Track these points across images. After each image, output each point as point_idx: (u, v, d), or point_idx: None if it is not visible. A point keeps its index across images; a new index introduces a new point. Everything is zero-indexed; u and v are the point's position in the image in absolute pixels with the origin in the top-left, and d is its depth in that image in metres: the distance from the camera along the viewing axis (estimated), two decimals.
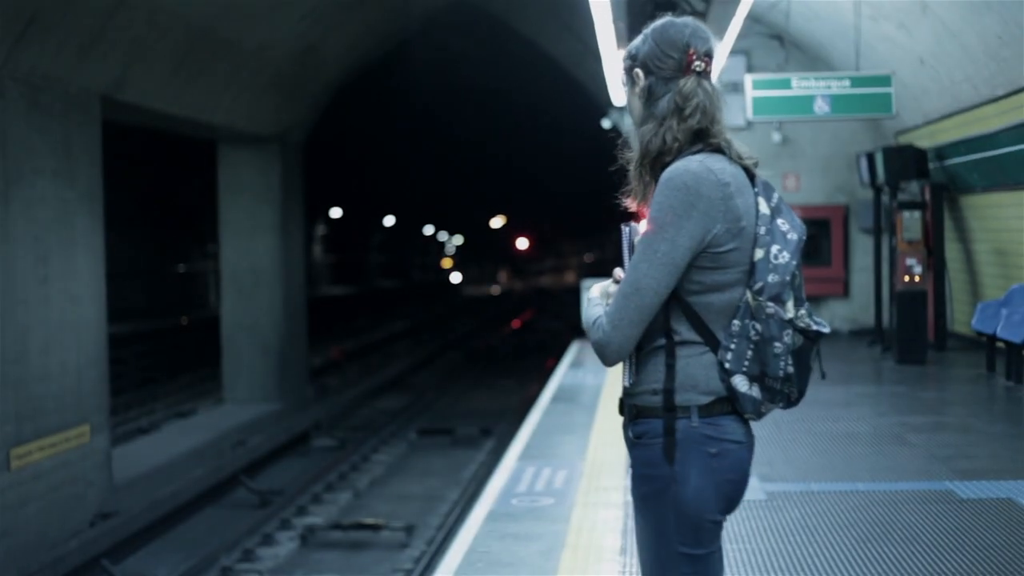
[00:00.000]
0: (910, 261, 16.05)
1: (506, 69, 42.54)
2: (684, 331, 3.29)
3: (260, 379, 22.34)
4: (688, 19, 3.50)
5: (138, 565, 13.41)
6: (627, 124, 25.29)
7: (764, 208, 3.31)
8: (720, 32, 15.28)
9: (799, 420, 11.09)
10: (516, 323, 51.81)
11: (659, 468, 3.28)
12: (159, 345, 28.74)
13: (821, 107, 14.96)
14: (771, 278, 3.24)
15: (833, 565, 6.67)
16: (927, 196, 16.95)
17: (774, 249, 3.26)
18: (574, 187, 76.50)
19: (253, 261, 22.34)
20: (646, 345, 3.31)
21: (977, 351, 15.99)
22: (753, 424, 3.41)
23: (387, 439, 20.92)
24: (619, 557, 6.98)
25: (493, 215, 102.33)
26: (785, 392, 3.32)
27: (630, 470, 3.46)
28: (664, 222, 3.21)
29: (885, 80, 15.08)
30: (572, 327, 35.37)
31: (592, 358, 18.39)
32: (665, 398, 3.28)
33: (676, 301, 3.27)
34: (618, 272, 3.33)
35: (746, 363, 3.26)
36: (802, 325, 3.26)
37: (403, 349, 38.68)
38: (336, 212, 56.03)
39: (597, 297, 3.39)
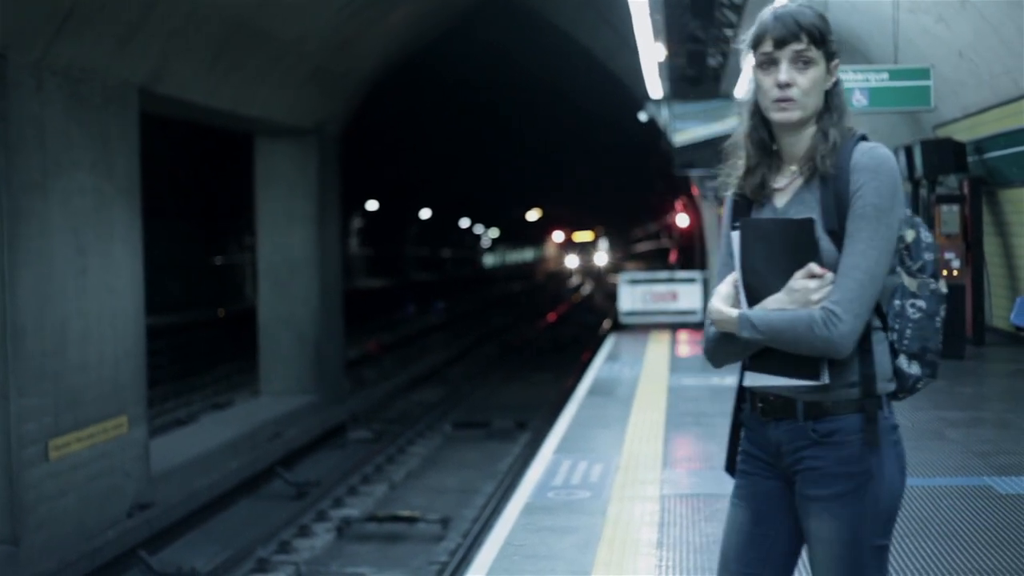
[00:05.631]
0: (948, 255, 15.95)
1: (542, 62, 42.56)
2: (872, 317, 3.27)
3: (296, 371, 22.40)
4: None
5: (175, 556, 13.48)
6: (663, 117, 25.24)
7: None
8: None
9: None
10: (552, 317, 51.80)
11: (858, 464, 3.24)
12: (196, 337, 28.88)
13: (859, 100, 14.87)
14: (927, 255, 3.32)
15: None
16: (966, 190, 16.85)
17: (922, 230, 3.35)
18: (609, 180, 76.50)
19: (289, 253, 22.39)
20: None
21: (1016, 346, 15.89)
22: None
23: (423, 432, 20.96)
24: (656, 551, 6.98)
25: (528, 208, 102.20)
26: (939, 365, 3.41)
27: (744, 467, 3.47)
28: (885, 208, 3.18)
29: (924, 73, 14.98)
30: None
31: (627, 351, 18.39)
32: (865, 387, 3.25)
33: None
34: (815, 268, 3.18)
35: (906, 341, 3.31)
36: None
37: (439, 342, 38.70)
38: (372, 205, 56.12)
39: (724, 305, 3.33)
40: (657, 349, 18.97)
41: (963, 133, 17.13)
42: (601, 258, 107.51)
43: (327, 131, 22.91)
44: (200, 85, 17.07)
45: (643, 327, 23.02)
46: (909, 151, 17.65)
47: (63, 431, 13.04)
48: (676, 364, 16.99)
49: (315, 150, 22.41)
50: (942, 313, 3.33)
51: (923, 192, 17.93)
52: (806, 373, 3.24)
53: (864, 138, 3.33)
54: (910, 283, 3.29)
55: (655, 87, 21.14)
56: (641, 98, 26.92)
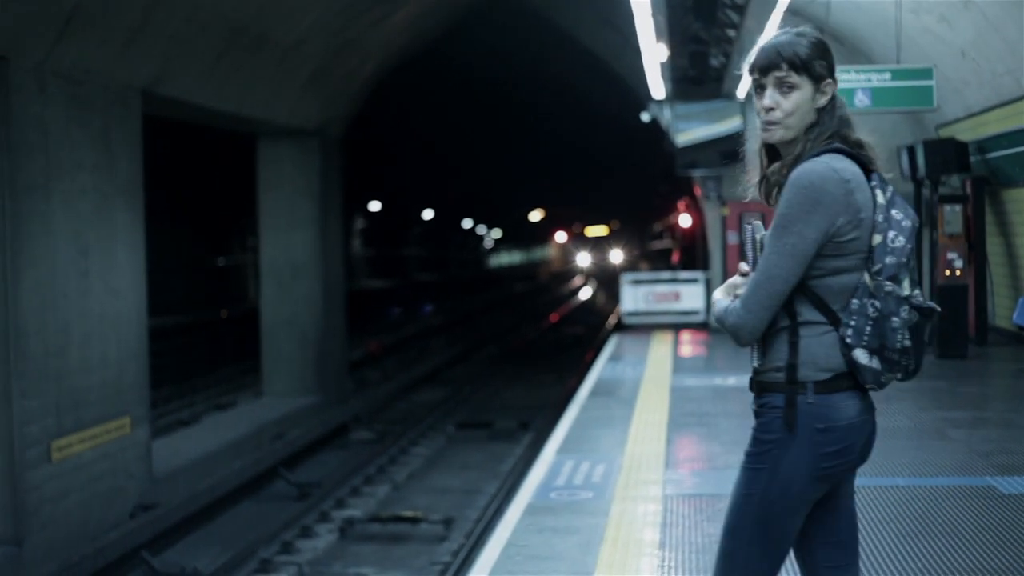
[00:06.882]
0: (951, 255, 15.97)
1: (545, 63, 42.52)
2: (806, 312, 3.66)
3: (299, 372, 22.39)
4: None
5: (178, 557, 13.47)
6: (666, 118, 25.22)
7: (880, 199, 3.66)
8: (760, 26, 15.24)
9: None
10: (554, 317, 51.78)
11: (771, 434, 3.67)
12: (199, 338, 28.89)
13: (861, 100, 14.86)
14: (888, 260, 3.61)
15: (873, 561, 6.65)
16: (968, 190, 16.85)
17: (891, 235, 3.63)
18: (613, 180, 76.48)
19: (292, 254, 22.38)
20: (772, 327, 3.69)
21: (1018, 346, 15.90)
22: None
23: (425, 432, 20.94)
24: (658, 551, 6.98)
25: (532, 209, 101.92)
26: (903, 364, 3.66)
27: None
28: (792, 217, 3.58)
29: (926, 73, 14.99)
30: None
31: (630, 352, 18.41)
32: (788, 373, 3.66)
33: (799, 285, 3.64)
34: (743, 267, 3.73)
35: (865, 337, 3.61)
36: (916, 303, 3.63)
37: (441, 343, 38.67)
38: (375, 206, 56.05)
39: (721, 295, 3.80)
40: (660, 349, 18.98)
41: (966, 133, 17.14)
42: (617, 256, 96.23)
43: (329, 132, 22.91)
44: (202, 87, 17.06)
45: (646, 327, 23.04)
46: (912, 151, 17.65)
47: (66, 432, 13.05)
48: (679, 364, 17.01)
49: (317, 151, 22.40)
50: (902, 315, 3.60)
51: (926, 192, 17.94)
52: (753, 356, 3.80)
53: (838, 151, 3.67)
54: (871, 284, 3.62)
55: (657, 88, 21.10)
56: (644, 99, 26.85)
